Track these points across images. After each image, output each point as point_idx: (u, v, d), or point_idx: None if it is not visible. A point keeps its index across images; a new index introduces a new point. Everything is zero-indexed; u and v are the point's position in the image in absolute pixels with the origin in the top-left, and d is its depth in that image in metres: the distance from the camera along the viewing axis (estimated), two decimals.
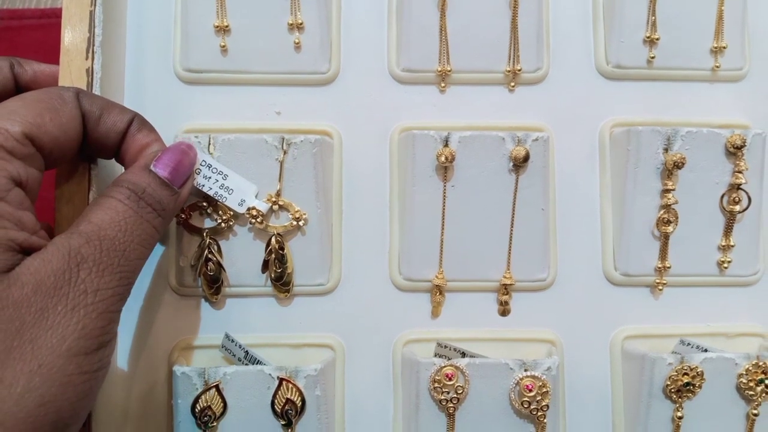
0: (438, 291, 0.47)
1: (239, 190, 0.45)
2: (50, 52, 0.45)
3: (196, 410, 0.42)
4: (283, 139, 0.45)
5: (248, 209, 0.45)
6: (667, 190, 0.46)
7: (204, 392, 0.42)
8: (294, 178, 0.45)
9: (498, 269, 0.47)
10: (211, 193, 0.44)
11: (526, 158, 0.45)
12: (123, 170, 0.41)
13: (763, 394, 0.45)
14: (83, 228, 0.34)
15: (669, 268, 0.47)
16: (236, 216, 0.45)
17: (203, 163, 0.43)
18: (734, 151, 0.46)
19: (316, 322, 0.47)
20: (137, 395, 0.46)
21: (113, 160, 0.41)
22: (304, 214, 0.45)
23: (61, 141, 0.36)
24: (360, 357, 0.47)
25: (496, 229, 0.47)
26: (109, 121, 0.39)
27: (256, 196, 0.45)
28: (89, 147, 0.39)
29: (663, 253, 0.47)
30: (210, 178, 0.44)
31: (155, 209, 0.37)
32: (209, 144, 0.45)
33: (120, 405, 0.46)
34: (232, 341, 0.45)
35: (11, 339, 0.31)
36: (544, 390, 0.44)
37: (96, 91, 0.43)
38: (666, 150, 0.47)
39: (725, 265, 0.48)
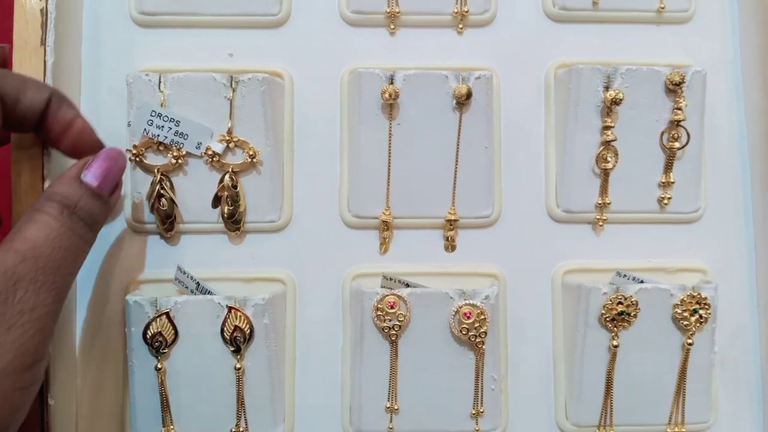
0: (385, 227, 0.48)
1: (194, 133, 0.46)
2: None
3: (148, 336, 0.44)
4: (232, 77, 0.46)
5: (205, 150, 0.46)
6: (607, 127, 0.48)
7: (155, 319, 0.44)
8: (243, 116, 0.47)
9: (443, 206, 0.48)
10: (167, 141, 0.46)
11: (469, 95, 0.47)
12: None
13: (698, 324, 0.47)
14: (18, 245, 0.34)
15: (609, 204, 0.49)
16: (188, 153, 0.46)
17: (153, 114, 0.45)
18: (673, 87, 0.47)
19: (268, 258, 0.49)
20: (94, 330, 0.48)
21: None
22: (259, 150, 0.46)
23: None
24: (311, 291, 0.49)
25: (441, 167, 0.48)
26: (27, 101, 0.39)
27: (211, 137, 0.46)
28: (8, 126, 0.39)
29: (603, 190, 0.49)
30: (163, 127, 0.45)
31: (87, 223, 0.37)
32: (159, 83, 0.46)
33: (77, 341, 0.48)
34: (184, 273, 0.46)
35: None
36: (482, 317, 0.45)
37: (50, 31, 0.45)
38: (606, 88, 0.48)
39: (665, 201, 0.49)
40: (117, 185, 0.41)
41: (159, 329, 0.44)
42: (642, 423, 0.48)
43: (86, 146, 0.42)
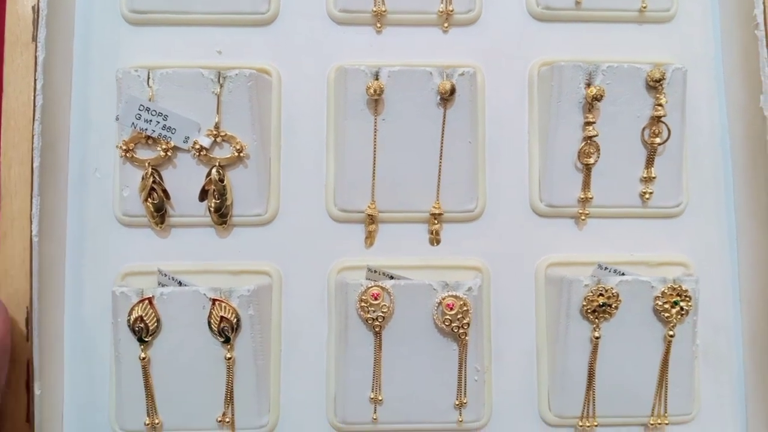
0: (371, 220, 0.49)
1: (182, 128, 0.47)
2: None
3: (130, 321, 0.45)
4: (219, 73, 0.47)
5: (193, 144, 0.47)
6: (589, 123, 0.48)
7: (137, 304, 0.45)
8: (231, 111, 0.47)
9: (428, 200, 0.49)
10: (155, 135, 0.47)
11: (452, 91, 0.47)
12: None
13: (679, 316, 0.47)
14: None
15: (591, 199, 0.49)
16: (176, 148, 0.47)
17: (141, 108, 0.46)
18: (654, 84, 0.48)
19: (255, 251, 0.50)
20: (82, 322, 0.49)
21: None
22: (246, 145, 0.47)
23: None
24: (296, 284, 0.49)
25: (426, 161, 0.49)
26: None
27: (198, 131, 0.47)
28: None
29: (586, 185, 0.49)
30: (151, 121, 0.46)
31: None
32: (148, 78, 0.47)
33: (65, 332, 0.48)
34: (165, 275, 0.47)
35: None
36: (465, 309, 0.46)
37: (42, 27, 0.45)
38: (588, 85, 0.48)
39: (647, 196, 0.50)
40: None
41: (140, 314, 0.45)
42: (624, 414, 0.49)
43: None
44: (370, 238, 0.50)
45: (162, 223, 0.48)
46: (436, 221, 0.49)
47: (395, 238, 0.50)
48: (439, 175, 0.49)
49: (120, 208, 0.48)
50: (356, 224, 0.50)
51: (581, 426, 0.49)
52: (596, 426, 0.49)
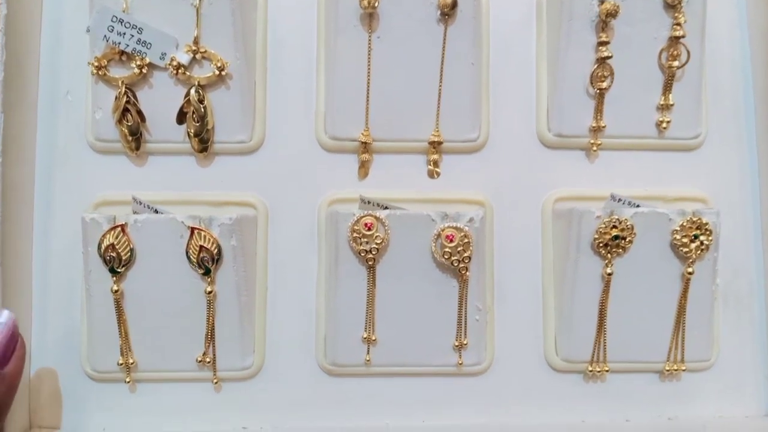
0: (364, 149, 0.45)
1: (158, 42, 0.43)
2: None
3: (101, 250, 0.41)
4: None
5: (170, 61, 0.43)
6: (602, 43, 0.44)
7: (109, 231, 0.41)
8: (211, 26, 0.44)
9: (427, 127, 0.45)
10: (128, 49, 0.43)
11: (454, 5, 0.43)
12: None
13: (698, 252, 0.44)
14: None
15: (604, 128, 0.46)
16: (152, 65, 0.43)
17: (114, 19, 0.42)
18: (672, 2, 0.44)
19: (238, 182, 0.46)
20: (50, 254, 0.45)
21: None
22: (228, 63, 0.43)
23: None
24: (283, 218, 0.46)
25: (424, 84, 0.45)
26: None
27: (176, 47, 0.43)
28: None
29: (598, 112, 0.45)
30: (125, 34, 0.42)
31: None
32: None
33: (33, 265, 0.45)
34: (140, 203, 0.43)
35: None
36: (466, 241, 0.42)
37: None
38: (601, 1, 0.45)
39: (664, 125, 0.46)
40: (12, 353, 0.36)
41: (112, 241, 0.41)
42: (637, 360, 0.45)
43: None
44: (363, 168, 0.46)
45: (137, 148, 0.44)
46: (435, 151, 0.46)
47: (391, 169, 0.46)
48: (439, 100, 0.45)
49: (92, 132, 0.44)
50: (348, 154, 0.46)
51: (590, 371, 0.45)
52: (607, 372, 0.45)
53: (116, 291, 0.42)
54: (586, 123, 0.46)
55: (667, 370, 0.45)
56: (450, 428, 0.45)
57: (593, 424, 0.46)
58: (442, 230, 0.42)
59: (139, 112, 0.43)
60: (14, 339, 0.36)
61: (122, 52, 0.43)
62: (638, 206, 0.44)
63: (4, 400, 0.36)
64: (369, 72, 0.45)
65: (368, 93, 0.45)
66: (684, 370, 0.45)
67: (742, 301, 0.47)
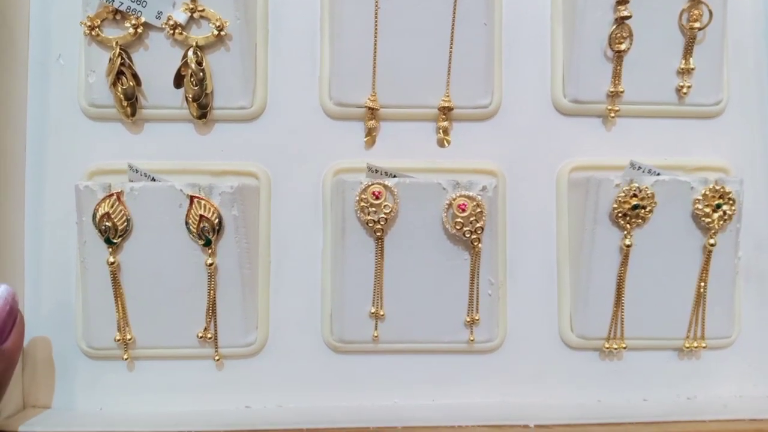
0: (371, 115, 0.43)
1: (154, 0, 0.41)
2: None
3: (95, 219, 0.39)
4: None
5: (166, 20, 0.41)
6: (621, 2, 0.42)
7: (104, 200, 0.39)
8: None
9: (437, 93, 0.43)
10: (122, 8, 0.40)
11: None
12: None
13: (721, 222, 0.42)
14: None
15: (622, 93, 0.44)
16: (148, 25, 0.41)
17: None
18: None
19: (239, 150, 0.44)
20: (47, 228, 0.43)
21: None
22: (227, 22, 0.41)
23: None
24: (287, 188, 0.44)
25: (434, 47, 0.43)
26: None
27: (173, 6, 0.41)
28: None
29: (616, 76, 0.43)
30: None
31: None
32: None
33: (29, 237, 0.43)
34: (137, 171, 0.41)
35: None
36: (479, 210, 0.40)
37: None
38: None
39: (684, 91, 0.44)
40: (12, 328, 0.35)
41: (107, 210, 0.39)
42: (656, 336, 0.43)
43: None
44: (370, 136, 0.44)
45: (133, 114, 0.42)
46: (445, 117, 0.44)
47: (399, 137, 0.44)
48: (450, 63, 0.43)
49: (85, 97, 0.42)
50: (355, 121, 0.44)
51: (607, 348, 0.43)
52: (624, 349, 0.43)
53: (112, 263, 0.40)
54: (603, 88, 0.44)
55: (687, 348, 0.43)
56: (461, 407, 0.43)
57: (609, 403, 0.44)
58: (454, 199, 0.40)
59: (135, 75, 0.41)
60: (13, 314, 0.35)
61: (116, 11, 0.41)
62: (659, 174, 0.42)
63: (3, 375, 0.34)
64: (376, 34, 0.42)
65: (375, 56, 0.43)
66: (704, 348, 0.43)
67: (764, 276, 0.45)
